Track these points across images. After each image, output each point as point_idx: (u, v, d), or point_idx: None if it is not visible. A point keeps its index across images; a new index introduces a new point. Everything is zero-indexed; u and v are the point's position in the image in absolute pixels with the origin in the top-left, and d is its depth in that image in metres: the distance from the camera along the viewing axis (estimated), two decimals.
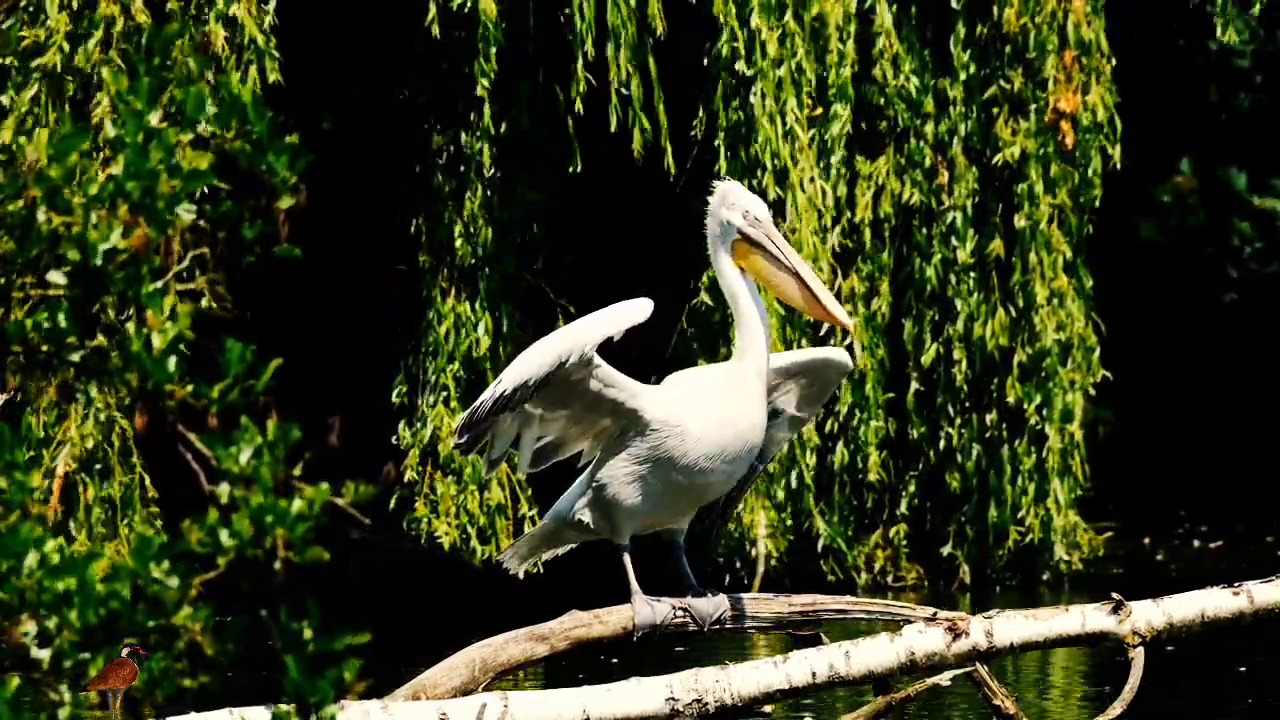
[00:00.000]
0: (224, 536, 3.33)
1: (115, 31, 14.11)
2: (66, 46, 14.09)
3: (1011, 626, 8.21)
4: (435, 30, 15.06)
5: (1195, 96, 22.67)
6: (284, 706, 3.46)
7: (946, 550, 16.69)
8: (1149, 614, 8.25)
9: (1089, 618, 8.23)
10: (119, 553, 13.87)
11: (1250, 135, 22.61)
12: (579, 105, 15.03)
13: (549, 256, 15.96)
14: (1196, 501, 21.56)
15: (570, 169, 15.42)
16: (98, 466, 14.16)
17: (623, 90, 15.00)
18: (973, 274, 16.28)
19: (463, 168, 15.51)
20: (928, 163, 16.28)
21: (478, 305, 15.47)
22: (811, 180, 15.31)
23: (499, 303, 15.52)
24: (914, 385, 16.50)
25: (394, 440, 15.63)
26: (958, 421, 16.51)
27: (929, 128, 16.27)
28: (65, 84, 14.10)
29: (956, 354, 16.33)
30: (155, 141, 3.60)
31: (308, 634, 3.32)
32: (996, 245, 16.30)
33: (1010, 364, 16.33)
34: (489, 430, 8.16)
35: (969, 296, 16.29)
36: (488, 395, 8.06)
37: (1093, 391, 16.54)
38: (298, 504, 3.33)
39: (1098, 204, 16.33)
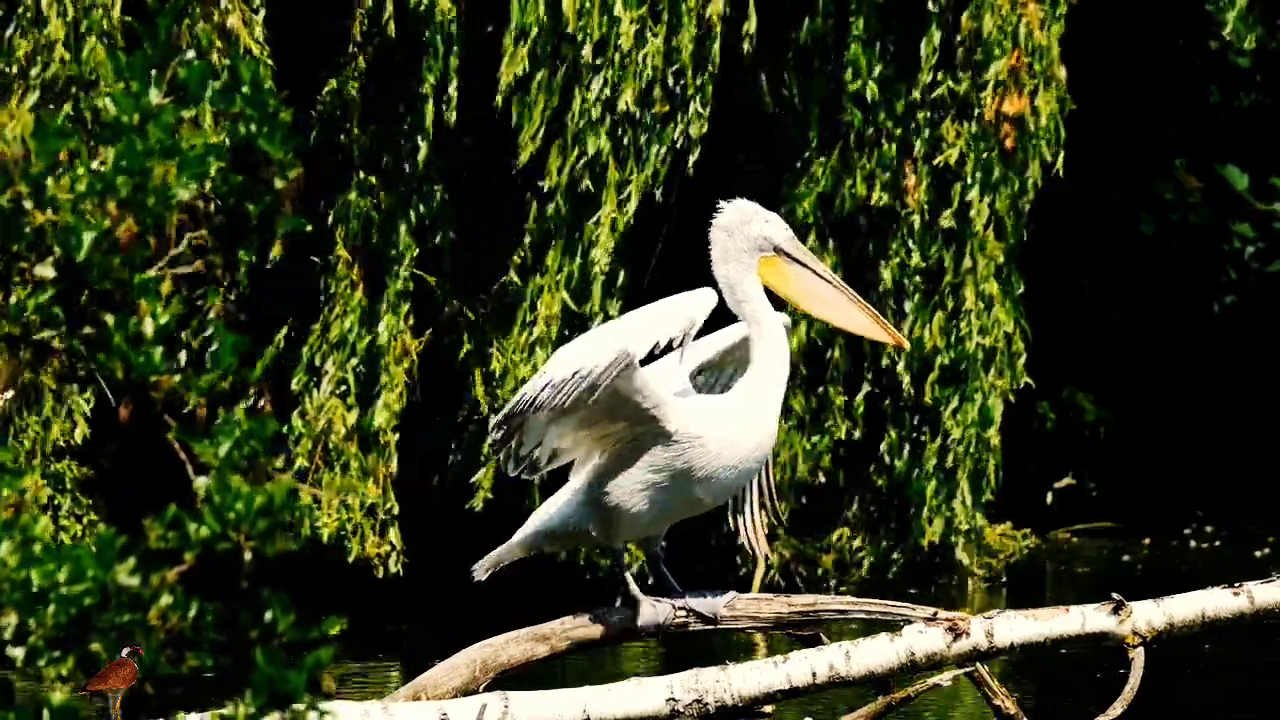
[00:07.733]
0: (193, 529, 3.30)
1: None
2: (68, 56, 14.09)
3: (1012, 626, 8.20)
4: (392, 29, 15.08)
5: (1195, 96, 22.64)
6: (233, 708, 3.43)
7: (858, 549, 16.77)
8: (1149, 614, 8.24)
9: (1089, 618, 8.22)
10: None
11: (1251, 135, 22.57)
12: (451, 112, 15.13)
13: (434, 255, 15.89)
14: (1196, 502, 21.53)
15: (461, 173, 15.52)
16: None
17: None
18: (918, 278, 16.32)
19: (386, 163, 15.48)
20: (892, 164, 16.26)
21: (381, 303, 15.40)
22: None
23: (401, 302, 15.44)
24: (865, 388, 16.54)
25: (284, 429, 15.49)
26: (897, 423, 16.58)
27: (896, 131, 16.26)
28: (69, 92, 14.11)
29: (903, 357, 16.39)
30: (153, 123, 3.57)
31: (283, 624, 3.29)
32: (938, 248, 16.31)
33: (935, 367, 16.38)
34: (520, 428, 7.98)
35: (915, 298, 16.33)
36: (530, 390, 7.78)
37: (1013, 398, 16.54)
38: (259, 498, 3.30)
39: (1028, 209, 16.32)
